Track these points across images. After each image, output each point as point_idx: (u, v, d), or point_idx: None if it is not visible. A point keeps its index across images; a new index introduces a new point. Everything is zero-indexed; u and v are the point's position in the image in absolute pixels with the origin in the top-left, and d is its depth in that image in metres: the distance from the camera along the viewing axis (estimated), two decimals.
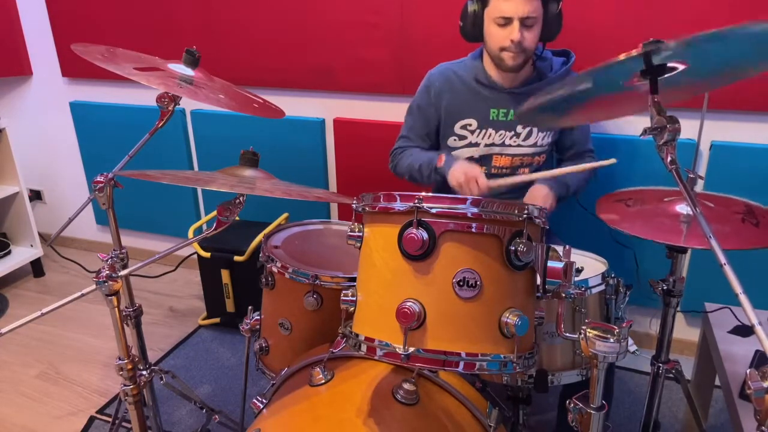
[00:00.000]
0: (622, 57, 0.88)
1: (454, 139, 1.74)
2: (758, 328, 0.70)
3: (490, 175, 1.74)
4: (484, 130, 1.71)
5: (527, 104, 1.21)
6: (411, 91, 1.82)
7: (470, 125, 1.71)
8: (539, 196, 1.60)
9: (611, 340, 0.82)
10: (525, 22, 1.53)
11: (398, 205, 0.90)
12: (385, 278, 0.91)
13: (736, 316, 1.69)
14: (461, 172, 1.58)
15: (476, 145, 1.73)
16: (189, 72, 1.40)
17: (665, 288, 1.35)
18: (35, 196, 3.23)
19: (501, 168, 1.74)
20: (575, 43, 1.77)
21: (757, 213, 1.27)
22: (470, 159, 1.74)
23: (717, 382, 1.60)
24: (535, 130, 1.70)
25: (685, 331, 2.26)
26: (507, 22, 1.54)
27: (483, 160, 1.74)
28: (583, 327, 0.85)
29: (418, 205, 0.87)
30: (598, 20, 1.94)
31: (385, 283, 0.91)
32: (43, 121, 3.03)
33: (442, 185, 1.77)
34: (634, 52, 0.86)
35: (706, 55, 0.93)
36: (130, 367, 1.17)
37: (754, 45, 0.87)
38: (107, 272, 1.05)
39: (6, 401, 2.05)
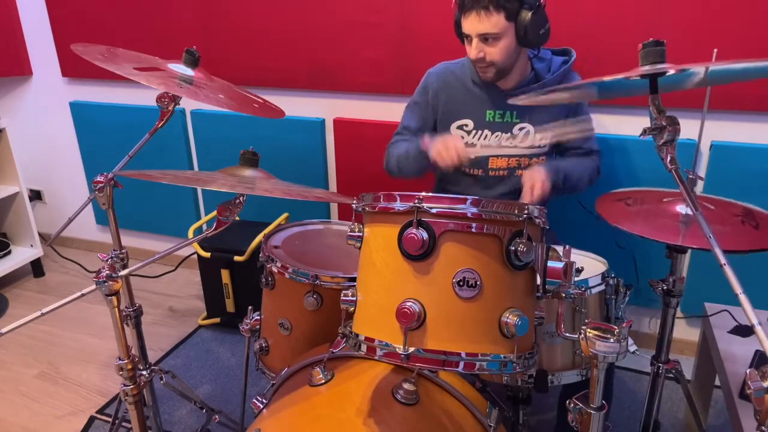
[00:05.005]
0: (621, 76, 0.88)
1: None
2: (758, 328, 0.70)
3: (487, 178, 1.75)
4: (480, 131, 1.71)
5: (520, 100, 1.18)
6: (411, 91, 1.82)
7: (466, 125, 1.71)
8: (537, 176, 1.57)
9: (611, 340, 0.82)
10: (485, 38, 1.52)
11: (398, 205, 0.90)
12: (385, 278, 0.91)
13: (734, 317, 1.69)
14: (440, 140, 1.57)
15: (472, 145, 1.72)
16: (189, 72, 1.40)
17: (665, 288, 1.35)
18: (35, 196, 3.23)
19: (497, 170, 1.73)
20: (576, 41, 1.77)
21: (756, 216, 1.27)
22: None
23: (717, 382, 1.60)
24: (531, 131, 1.69)
25: (685, 331, 2.26)
26: (469, 38, 1.56)
27: (479, 162, 1.73)
28: (583, 327, 0.85)
29: (418, 205, 0.87)
30: (599, 16, 1.94)
31: (385, 283, 0.91)
32: (43, 121, 3.03)
33: (439, 185, 1.77)
34: (636, 74, 0.87)
35: (715, 73, 0.93)
36: (130, 367, 1.17)
37: None
38: (107, 272, 1.05)
39: (6, 401, 2.05)
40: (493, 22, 1.48)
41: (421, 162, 1.67)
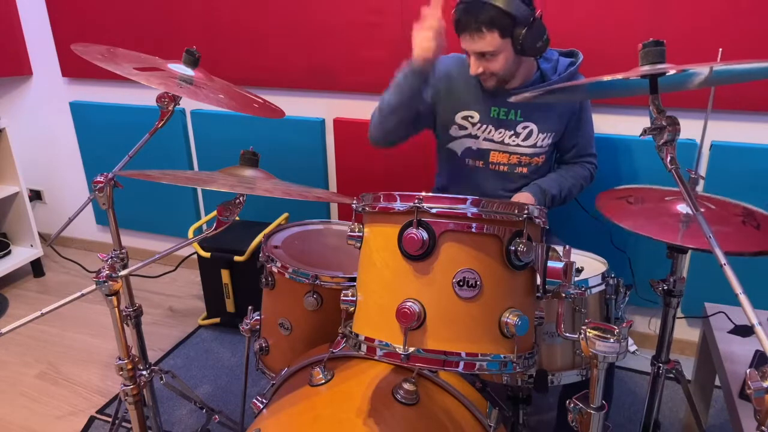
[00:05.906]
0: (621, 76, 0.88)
1: (456, 128, 1.74)
2: (758, 328, 0.70)
3: (487, 171, 1.75)
4: (484, 125, 1.71)
5: (522, 97, 1.17)
6: None
7: (472, 117, 1.71)
8: (524, 201, 1.60)
9: (611, 340, 0.82)
10: (482, 54, 1.53)
11: (398, 205, 0.90)
12: (385, 278, 0.91)
13: (731, 319, 1.69)
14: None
15: (475, 137, 1.73)
16: (189, 72, 1.40)
17: (665, 288, 1.35)
18: (35, 196, 3.23)
19: (498, 164, 1.74)
20: (580, 42, 1.76)
21: (757, 216, 1.27)
22: (469, 149, 1.74)
23: (717, 382, 1.60)
24: (535, 130, 1.69)
25: (685, 331, 2.26)
26: (467, 54, 1.57)
27: (481, 154, 1.74)
28: (583, 327, 0.85)
29: (418, 205, 0.87)
30: (603, 17, 1.94)
31: (385, 283, 0.91)
32: (43, 121, 3.03)
33: (439, 181, 1.75)
34: (636, 75, 0.86)
35: (719, 73, 0.93)
36: (130, 367, 1.17)
37: None
38: (107, 272, 1.05)
39: (6, 401, 2.05)
40: (488, 41, 1.49)
41: (407, 84, 1.60)
